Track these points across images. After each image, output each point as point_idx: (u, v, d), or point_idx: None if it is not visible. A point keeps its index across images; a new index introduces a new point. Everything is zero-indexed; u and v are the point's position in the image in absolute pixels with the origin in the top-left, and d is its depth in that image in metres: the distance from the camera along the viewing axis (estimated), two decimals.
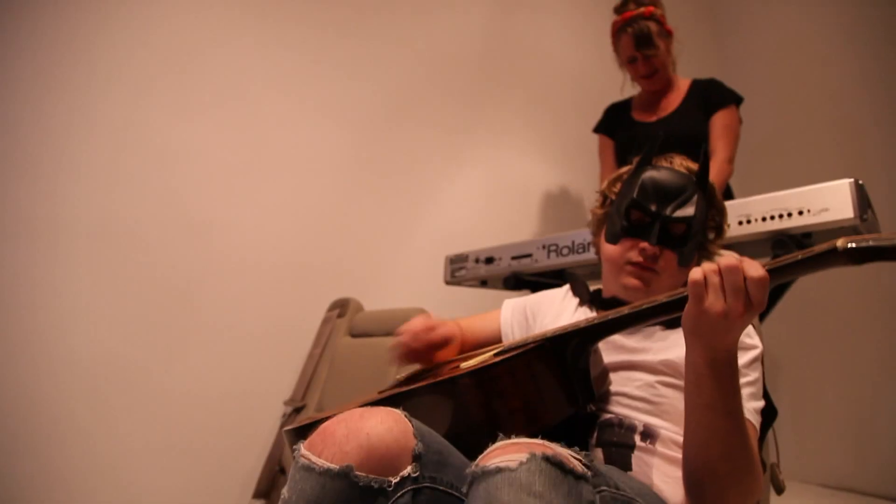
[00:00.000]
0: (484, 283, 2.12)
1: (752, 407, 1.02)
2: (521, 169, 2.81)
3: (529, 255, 1.87)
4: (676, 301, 0.87)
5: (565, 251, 1.79)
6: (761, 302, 0.78)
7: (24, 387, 1.82)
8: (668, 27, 2.17)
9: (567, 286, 1.39)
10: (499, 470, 0.68)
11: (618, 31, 2.18)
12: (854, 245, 0.71)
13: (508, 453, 0.70)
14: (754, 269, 0.78)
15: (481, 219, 2.67)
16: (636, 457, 1.02)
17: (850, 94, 2.73)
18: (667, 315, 0.91)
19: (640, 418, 1.06)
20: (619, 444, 1.03)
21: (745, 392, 1.02)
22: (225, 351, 2.15)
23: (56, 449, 1.84)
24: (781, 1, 3.07)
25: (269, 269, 2.27)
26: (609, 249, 1.20)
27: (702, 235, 1.18)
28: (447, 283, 2.13)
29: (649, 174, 1.16)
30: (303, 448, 0.79)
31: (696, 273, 0.80)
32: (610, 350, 1.17)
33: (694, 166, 1.19)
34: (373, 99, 2.55)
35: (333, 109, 2.47)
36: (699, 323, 0.81)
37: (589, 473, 0.72)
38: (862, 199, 1.42)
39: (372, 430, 0.77)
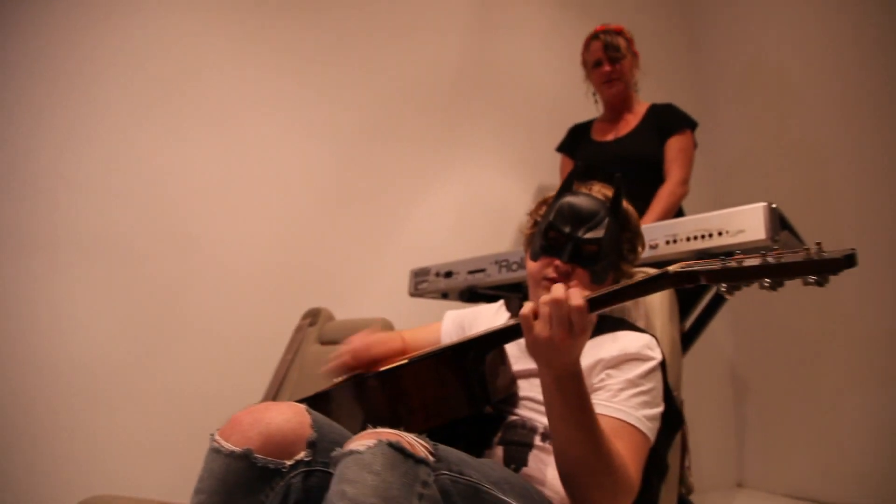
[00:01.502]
0: (445, 296, 2.24)
1: (642, 414, 1.12)
2: (495, 187, 2.93)
3: (483, 270, 1.99)
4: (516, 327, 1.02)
5: (515, 266, 1.92)
6: (583, 328, 0.90)
7: (17, 388, 2.01)
8: (636, 51, 2.34)
9: (501, 301, 1.52)
10: (350, 453, 0.81)
11: (590, 40, 2.36)
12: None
13: (363, 440, 0.83)
14: (575, 299, 0.90)
15: (453, 235, 2.79)
16: (533, 455, 1.13)
17: (816, 118, 2.80)
18: (516, 336, 1.06)
19: (542, 420, 1.17)
20: (519, 442, 1.15)
21: (637, 400, 1.13)
22: (207, 355, 2.31)
23: (46, 445, 2.03)
24: (755, 24, 3.14)
25: (249, 280, 2.42)
26: (530, 266, 1.33)
27: (615, 256, 1.30)
28: (411, 295, 2.26)
29: (567, 199, 1.29)
30: (217, 434, 0.93)
31: (525, 308, 0.94)
32: (523, 358, 1.29)
33: (611, 193, 1.31)
34: (352, 119, 2.69)
35: (314, 129, 2.61)
36: (534, 348, 0.94)
37: (431, 459, 0.85)
38: (774, 221, 1.52)
39: (272, 420, 0.91)
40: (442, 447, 0.90)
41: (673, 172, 2.19)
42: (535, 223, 1.39)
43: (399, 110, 2.80)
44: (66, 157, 2.17)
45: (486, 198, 2.91)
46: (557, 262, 1.26)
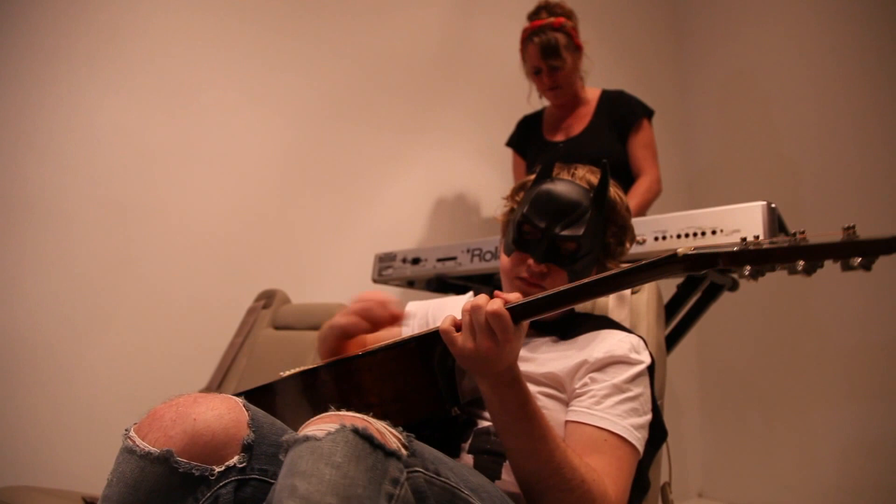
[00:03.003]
0: (411, 284, 2.09)
1: (629, 423, 1.00)
2: (468, 172, 2.79)
3: (454, 258, 1.85)
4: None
5: (488, 256, 1.78)
6: (506, 336, 0.82)
7: None
8: (579, 41, 2.12)
9: (471, 293, 1.38)
10: (306, 439, 0.67)
11: (525, 39, 2.14)
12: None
13: (323, 423, 0.69)
14: (492, 305, 0.82)
15: (423, 220, 2.65)
16: (507, 466, 1.00)
17: (793, 126, 2.78)
18: None
19: None
20: (492, 451, 1.01)
21: (624, 408, 1.01)
22: (149, 334, 2.10)
23: None
24: (740, 32, 3.11)
25: (198, 256, 2.23)
26: (503, 260, 1.18)
27: (599, 252, 1.15)
28: (374, 281, 2.11)
29: (545, 187, 1.13)
30: (132, 430, 0.76)
31: (444, 322, 0.87)
32: None
33: (596, 180, 1.15)
34: (321, 95, 2.52)
35: (280, 103, 2.43)
36: (463, 361, 0.86)
37: (404, 452, 0.71)
38: (773, 222, 1.42)
39: (199, 416, 0.75)
40: (416, 441, 0.77)
41: (645, 170, 2.06)
42: (512, 210, 1.24)
43: (370, 89, 2.64)
44: (26, 123, 1.96)
45: (457, 184, 2.77)
46: (531, 262, 1.11)
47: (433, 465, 0.76)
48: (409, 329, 1.33)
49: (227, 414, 0.76)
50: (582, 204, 1.11)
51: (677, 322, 1.83)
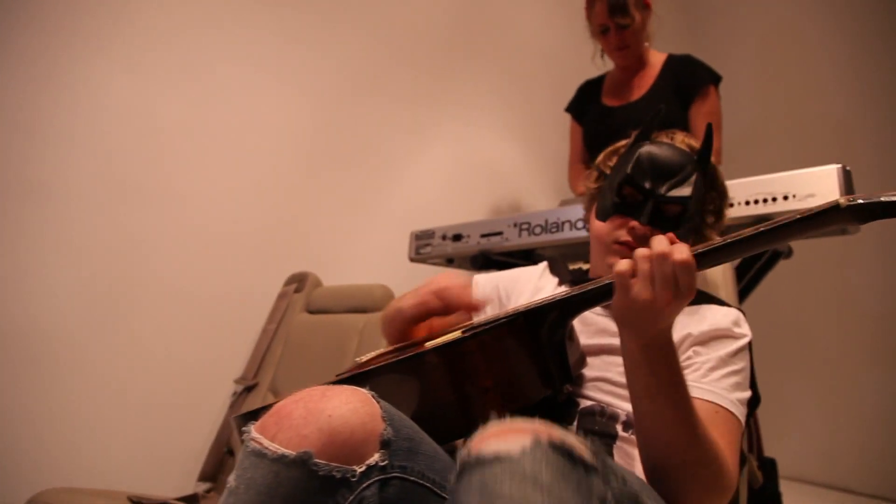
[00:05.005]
0: (450, 262, 2.02)
1: (736, 397, 0.96)
2: (491, 146, 2.72)
3: (500, 234, 1.78)
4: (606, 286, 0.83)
5: (538, 230, 1.71)
6: (690, 287, 0.74)
7: None
8: (648, 0, 2.05)
9: (544, 263, 1.31)
10: (497, 458, 0.57)
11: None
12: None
13: (507, 438, 0.60)
14: (681, 252, 0.73)
15: (448, 195, 2.57)
16: (618, 447, 0.95)
17: (833, 83, 2.71)
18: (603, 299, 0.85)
19: (623, 406, 0.99)
20: (601, 433, 0.96)
21: (730, 381, 0.97)
22: (178, 323, 2.02)
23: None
24: None
25: (226, 240, 2.14)
26: (598, 227, 1.12)
27: (699, 218, 1.09)
28: (412, 259, 2.03)
29: (647, 149, 1.07)
30: (253, 431, 0.69)
31: (622, 264, 0.76)
32: (591, 333, 1.10)
33: (697, 144, 1.10)
34: (341, 72, 2.43)
35: (300, 82, 2.34)
36: (626, 313, 0.78)
37: (598, 465, 0.63)
38: (848, 186, 1.37)
39: (334, 412, 0.68)
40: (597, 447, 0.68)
41: None
42: (602, 176, 1.18)
43: (391, 64, 2.55)
44: (29, 103, 1.84)
45: (483, 158, 2.70)
46: (634, 224, 1.05)
47: (621, 472, 0.69)
48: (490, 307, 1.27)
49: (362, 407, 0.69)
50: (687, 167, 1.05)
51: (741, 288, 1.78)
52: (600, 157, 1.19)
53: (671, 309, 0.75)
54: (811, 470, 2.71)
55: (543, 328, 0.89)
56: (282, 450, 0.65)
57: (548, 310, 0.90)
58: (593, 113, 2.16)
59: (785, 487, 2.63)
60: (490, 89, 2.76)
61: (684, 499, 0.83)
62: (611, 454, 0.94)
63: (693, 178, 1.05)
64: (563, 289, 1.19)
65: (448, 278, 1.07)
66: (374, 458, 0.68)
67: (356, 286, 1.97)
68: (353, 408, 0.69)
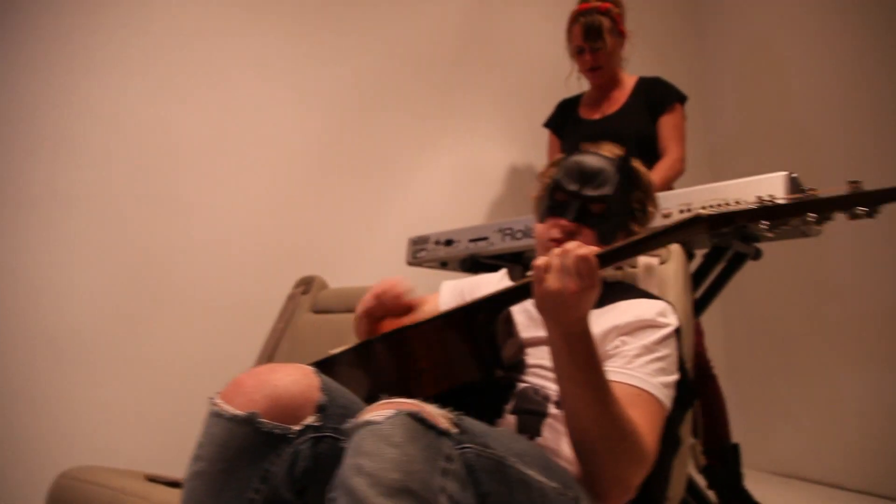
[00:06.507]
0: (444, 265, 2.17)
1: (659, 381, 1.06)
2: (492, 156, 2.86)
3: (486, 238, 1.93)
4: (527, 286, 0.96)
5: (519, 235, 1.85)
6: (592, 280, 0.86)
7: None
8: (623, 28, 2.23)
9: (504, 270, 1.46)
10: (367, 423, 0.74)
11: (572, 20, 2.24)
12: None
13: (379, 410, 0.76)
14: (580, 249, 0.87)
15: (451, 203, 2.72)
16: (548, 424, 1.07)
17: (812, 100, 2.80)
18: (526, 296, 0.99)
19: (555, 388, 1.11)
20: (533, 411, 1.09)
21: (653, 367, 1.07)
22: (195, 321, 2.24)
23: (26, 412, 1.95)
24: (759, 5, 3.12)
25: (240, 246, 2.34)
26: (537, 229, 1.27)
27: (624, 215, 1.23)
28: (409, 263, 2.19)
29: (575, 158, 1.23)
30: (217, 397, 0.85)
31: (539, 259, 0.89)
32: (532, 326, 1.23)
33: (621, 152, 1.24)
34: (348, 84, 2.60)
35: (310, 93, 2.52)
36: (543, 302, 0.90)
37: (454, 431, 0.77)
38: (795, 191, 1.47)
39: (279, 382, 0.84)
40: (466, 418, 0.83)
41: (671, 149, 2.14)
42: (545, 186, 1.33)
43: (397, 76, 2.72)
44: (56, 115, 2.07)
45: (484, 167, 2.84)
46: (563, 222, 1.20)
47: (481, 439, 0.82)
48: (445, 306, 1.42)
49: (302, 379, 0.86)
50: (608, 169, 1.20)
51: (703, 291, 1.89)
52: (543, 170, 1.33)
53: (578, 298, 0.87)
54: (797, 465, 2.77)
55: (478, 322, 1.04)
56: (234, 411, 0.82)
57: (479, 306, 1.05)
58: (571, 126, 2.32)
59: (771, 482, 2.71)
60: (493, 102, 2.90)
61: (604, 468, 0.95)
62: (540, 430, 1.07)
63: (615, 178, 1.19)
64: None
65: (386, 283, 1.25)
66: (310, 419, 0.85)
67: (356, 288, 2.12)
68: (295, 379, 0.85)
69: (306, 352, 2.11)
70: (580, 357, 0.91)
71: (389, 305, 1.22)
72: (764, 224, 0.80)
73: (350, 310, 2.08)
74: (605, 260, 0.91)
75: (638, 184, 1.25)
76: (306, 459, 0.83)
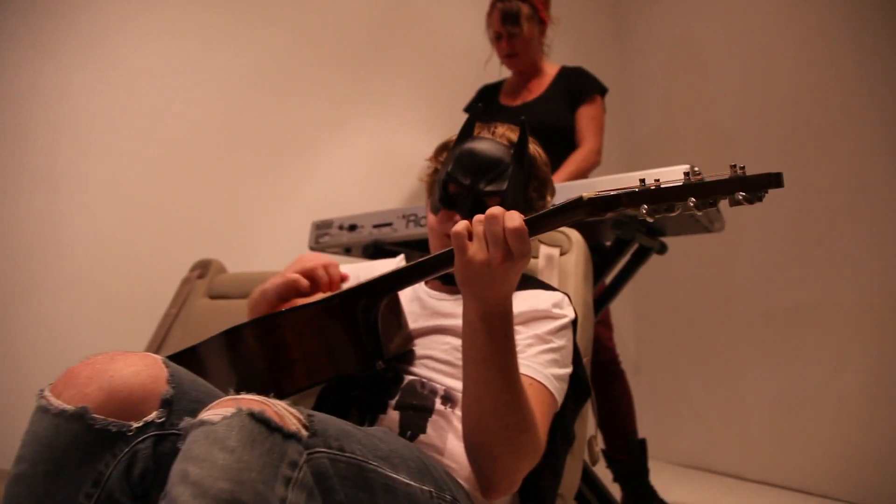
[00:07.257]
0: (348, 251, 2.09)
1: (551, 372, 1.03)
2: (409, 141, 2.79)
3: (390, 224, 1.86)
4: (445, 255, 0.89)
5: (423, 221, 1.79)
6: (522, 252, 0.79)
7: None
8: (544, 16, 2.20)
9: (402, 256, 1.40)
10: (201, 423, 0.66)
11: (492, 6, 2.20)
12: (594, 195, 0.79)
13: (218, 408, 0.68)
14: (512, 219, 0.79)
15: (364, 189, 2.64)
16: (433, 421, 1.02)
17: (734, 97, 2.84)
18: (441, 270, 0.93)
19: (444, 382, 1.06)
20: (418, 407, 1.03)
21: (546, 357, 1.04)
22: (80, 309, 2.07)
23: None
24: (682, 4, 3.15)
25: (132, 227, 2.19)
26: (430, 219, 1.21)
27: (522, 206, 1.18)
28: (311, 248, 2.10)
29: (468, 146, 1.16)
30: (46, 390, 0.75)
31: (458, 226, 0.81)
32: (427, 315, 1.17)
33: (515, 136, 1.18)
34: (255, 61, 2.48)
35: (213, 69, 2.39)
36: (466, 273, 0.82)
37: (304, 434, 0.70)
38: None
39: (116, 373, 0.75)
40: (320, 417, 0.75)
41: (587, 140, 2.13)
42: (436, 170, 1.26)
43: (310, 58, 2.61)
44: None
45: (398, 153, 2.77)
46: (458, 218, 1.13)
47: (337, 442, 0.74)
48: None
49: (144, 370, 0.76)
50: (504, 160, 1.14)
51: (609, 284, 1.88)
52: (433, 152, 1.27)
53: (505, 269, 0.80)
54: (702, 457, 2.84)
55: (358, 310, 0.97)
56: (63, 405, 0.72)
57: (358, 292, 0.98)
58: (491, 112, 2.26)
59: (676, 472, 2.77)
60: (409, 86, 2.83)
61: (498, 460, 0.89)
62: (424, 426, 1.01)
63: (509, 170, 1.13)
64: None
65: (315, 257, 1.15)
66: (152, 415, 0.75)
67: (255, 273, 2.02)
68: (136, 370, 0.76)
69: (199, 339, 1.99)
70: (498, 339, 0.85)
71: (322, 280, 1.13)
72: (645, 208, 0.75)
73: (247, 296, 1.98)
74: (533, 229, 0.83)
75: (535, 172, 1.21)
76: (146, 460, 0.74)
